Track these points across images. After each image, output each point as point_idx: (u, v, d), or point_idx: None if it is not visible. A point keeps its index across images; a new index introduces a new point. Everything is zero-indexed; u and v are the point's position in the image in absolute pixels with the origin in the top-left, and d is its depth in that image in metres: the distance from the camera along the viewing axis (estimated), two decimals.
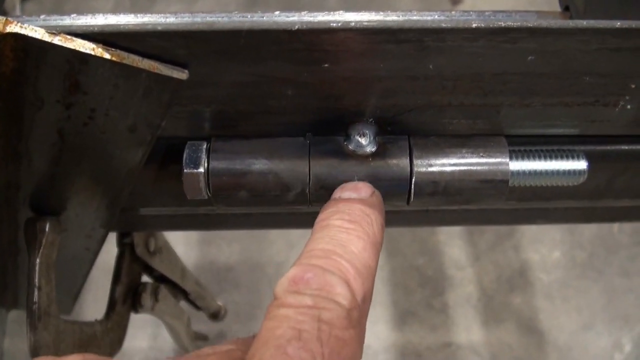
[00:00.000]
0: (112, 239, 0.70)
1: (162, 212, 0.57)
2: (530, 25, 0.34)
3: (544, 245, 1.52)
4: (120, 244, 0.75)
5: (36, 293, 0.54)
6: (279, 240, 1.47)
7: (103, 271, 0.76)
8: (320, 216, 0.40)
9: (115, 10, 2.10)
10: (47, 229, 0.53)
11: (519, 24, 0.34)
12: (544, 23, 0.34)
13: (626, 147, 0.53)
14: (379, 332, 1.37)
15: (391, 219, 0.64)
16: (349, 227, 0.38)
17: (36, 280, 0.53)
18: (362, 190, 0.41)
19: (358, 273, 0.35)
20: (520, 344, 1.37)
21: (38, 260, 0.53)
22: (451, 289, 1.44)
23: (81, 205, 0.54)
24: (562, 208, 0.64)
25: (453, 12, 0.48)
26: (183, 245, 1.41)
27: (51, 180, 0.49)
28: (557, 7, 0.60)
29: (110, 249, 0.70)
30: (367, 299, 0.36)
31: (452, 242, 1.50)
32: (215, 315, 1.12)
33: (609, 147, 0.53)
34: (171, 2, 2.09)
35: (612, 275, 1.49)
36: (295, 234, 1.45)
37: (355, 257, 0.36)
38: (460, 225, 1.34)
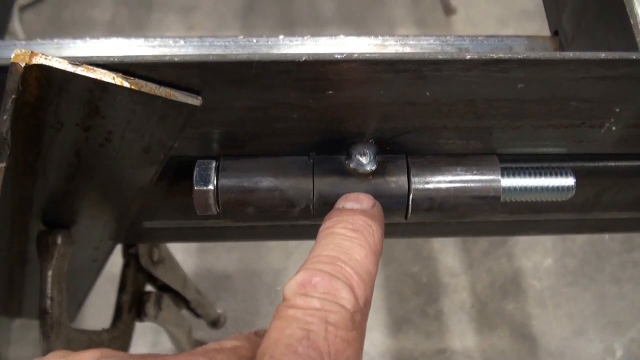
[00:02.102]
0: (115, 250, 0.72)
1: (169, 225, 0.59)
2: (520, 57, 0.37)
3: (536, 253, 1.54)
4: (126, 254, 0.77)
5: (48, 303, 0.56)
6: (276, 249, 1.49)
7: (104, 279, 0.79)
8: (325, 224, 0.42)
9: (113, 20, 2.12)
10: (59, 242, 0.55)
11: (510, 55, 0.37)
12: (533, 55, 0.37)
13: (612, 164, 0.56)
14: (374, 338, 1.40)
15: (390, 230, 0.67)
16: (352, 235, 0.40)
17: (48, 290, 0.55)
18: (364, 201, 0.44)
19: (361, 279, 0.37)
20: (513, 350, 1.39)
21: (50, 271, 0.55)
22: (445, 296, 1.46)
23: (92, 219, 0.56)
24: (553, 220, 0.67)
25: (448, 37, 0.51)
26: (182, 253, 1.43)
27: (64, 196, 0.51)
28: (547, 25, 0.63)
29: (112, 259, 0.72)
30: (368, 303, 0.38)
31: (446, 250, 1.53)
32: (215, 323, 1.14)
33: (596, 164, 0.55)
34: (168, 11, 2.11)
35: (603, 282, 1.52)
36: (293, 243, 1.47)
37: (358, 264, 0.38)
38: (456, 236, 1.37)
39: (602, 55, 0.39)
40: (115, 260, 0.78)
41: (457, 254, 1.53)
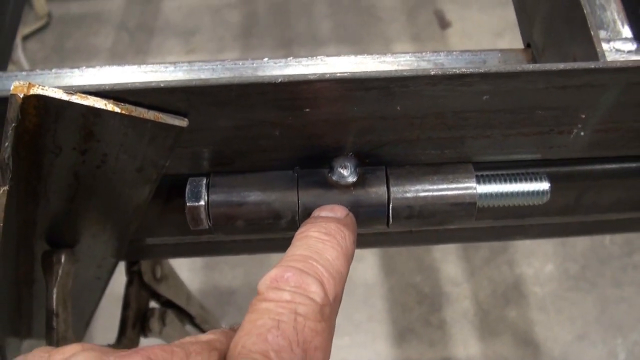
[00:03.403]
0: (119, 269, 0.75)
1: (168, 241, 0.62)
2: (481, 71, 0.39)
3: (537, 259, 1.56)
4: (129, 272, 0.80)
5: (54, 319, 0.58)
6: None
7: (109, 298, 0.81)
8: (301, 229, 0.45)
9: (115, 46, 2.17)
10: (62, 260, 0.58)
11: (471, 70, 0.39)
12: (494, 69, 0.40)
13: (587, 168, 0.58)
14: (379, 349, 1.42)
15: (381, 239, 0.70)
16: (325, 238, 0.43)
17: (54, 307, 0.58)
18: (338, 210, 0.47)
19: (331, 276, 0.40)
20: (517, 356, 1.41)
21: (55, 289, 0.58)
22: (448, 305, 1.48)
23: (93, 238, 0.58)
24: (537, 224, 0.69)
25: (424, 53, 0.54)
26: (187, 270, 1.46)
27: (66, 216, 0.54)
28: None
29: (116, 277, 0.74)
30: (337, 299, 0.40)
31: (448, 259, 1.55)
32: None
33: (572, 168, 0.58)
34: (168, 35, 2.16)
35: (605, 286, 1.53)
36: None
37: (329, 263, 0.41)
38: (444, 243, 1.39)
39: (561, 66, 0.41)
40: (119, 280, 0.81)
41: (458, 263, 1.55)
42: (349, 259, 0.43)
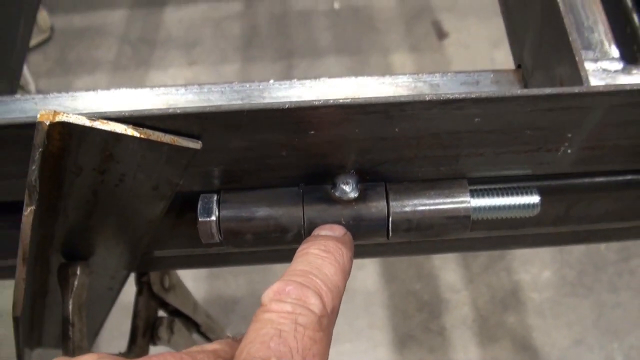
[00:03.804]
0: (128, 280, 0.77)
1: (179, 253, 0.65)
2: (473, 96, 0.42)
3: (535, 266, 1.59)
4: (139, 282, 0.83)
5: (70, 329, 0.61)
6: (281, 271, 1.53)
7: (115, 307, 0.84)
8: (301, 247, 0.48)
9: (118, 59, 2.20)
10: (78, 272, 0.60)
11: (464, 95, 0.42)
12: (485, 94, 0.43)
13: (576, 181, 0.61)
14: (379, 355, 1.44)
15: (382, 250, 0.73)
16: (324, 255, 0.46)
17: (70, 317, 0.60)
18: (336, 230, 0.50)
19: (329, 290, 0.43)
20: None
21: (71, 300, 0.61)
22: (447, 311, 1.51)
23: (107, 251, 0.61)
24: (530, 234, 0.72)
25: (420, 75, 0.57)
26: (192, 280, 1.48)
27: (83, 231, 0.57)
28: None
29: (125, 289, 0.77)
30: (335, 311, 0.43)
31: (447, 267, 1.58)
32: None
33: (561, 182, 0.61)
34: (170, 48, 2.19)
35: (601, 291, 1.56)
36: None
37: (328, 278, 0.44)
38: (441, 253, 1.42)
39: (547, 91, 0.45)
40: (127, 290, 0.83)
41: (457, 271, 1.58)
42: (346, 274, 0.46)
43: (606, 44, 0.63)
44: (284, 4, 2.31)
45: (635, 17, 0.70)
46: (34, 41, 2.27)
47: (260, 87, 0.57)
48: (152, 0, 2.35)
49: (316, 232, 0.50)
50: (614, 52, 0.62)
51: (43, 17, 2.33)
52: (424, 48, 2.15)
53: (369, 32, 2.20)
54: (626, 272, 1.59)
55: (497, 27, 2.17)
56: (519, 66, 0.62)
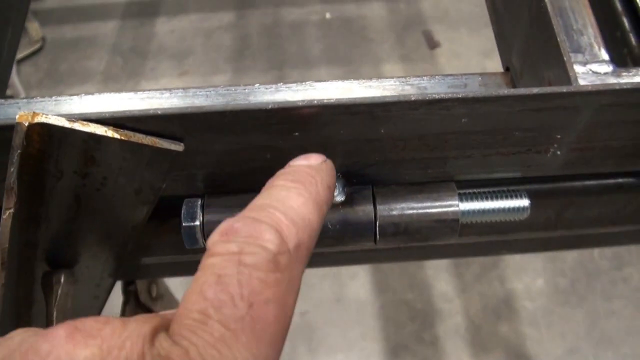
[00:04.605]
0: (115, 290, 0.76)
1: (164, 260, 0.64)
2: (459, 96, 0.42)
3: (527, 274, 1.58)
4: (125, 291, 0.82)
5: None
6: None
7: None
8: (268, 181, 0.41)
9: (109, 69, 2.19)
10: (62, 281, 0.59)
11: (450, 95, 0.42)
12: (471, 94, 0.42)
13: (567, 184, 0.60)
14: None
15: (371, 256, 0.72)
16: (290, 185, 0.39)
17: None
18: (312, 158, 0.43)
19: (292, 222, 0.36)
20: None
21: (55, 309, 0.60)
22: (440, 321, 1.50)
23: (92, 258, 0.60)
24: (521, 240, 0.72)
25: (408, 78, 0.56)
26: (182, 291, 1.47)
27: (66, 237, 0.56)
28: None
29: (112, 299, 0.76)
30: (302, 247, 0.36)
31: (440, 276, 1.57)
32: None
33: (552, 185, 0.60)
34: (161, 59, 2.19)
35: (595, 300, 1.55)
36: None
37: (292, 209, 0.37)
38: (431, 259, 1.41)
39: (534, 90, 0.44)
40: (116, 302, 0.82)
41: (450, 280, 1.57)
42: (321, 205, 0.40)
43: (596, 47, 0.62)
44: (276, 14, 2.31)
45: (625, 20, 0.69)
46: (25, 52, 2.27)
47: (246, 90, 0.56)
48: (144, 11, 2.35)
49: (289, 162, 0.43)
50: (604, 55, 0.62)
51: (35, 28, 2.32)
52: (416, 58, 2.15)
53: (361, 42, 2.21)
54: (620, 280, 1.58)
55: (488, 37, 2.18)
56: (507, 69, 0.61)
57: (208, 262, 0.33)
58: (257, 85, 0.56)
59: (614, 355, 1.46)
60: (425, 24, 2.26)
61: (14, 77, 2.13)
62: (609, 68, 0.62)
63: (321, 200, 0.40)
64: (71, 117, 0.42)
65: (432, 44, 2.19)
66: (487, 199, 0.54)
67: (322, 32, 2.24)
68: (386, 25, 2.26)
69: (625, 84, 0.44)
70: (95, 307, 0.71)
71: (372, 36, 2.23)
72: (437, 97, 0.42)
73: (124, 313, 0.81)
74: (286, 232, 0.35)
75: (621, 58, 0.69)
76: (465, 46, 2.16)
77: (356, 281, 1.55)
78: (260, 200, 0.38)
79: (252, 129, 0.44)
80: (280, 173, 0.41)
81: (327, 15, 2.30)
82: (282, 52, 2.17)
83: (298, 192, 0.39)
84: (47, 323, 0.60)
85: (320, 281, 1.52)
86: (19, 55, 2.23)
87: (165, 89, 0.57)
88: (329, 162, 0.43)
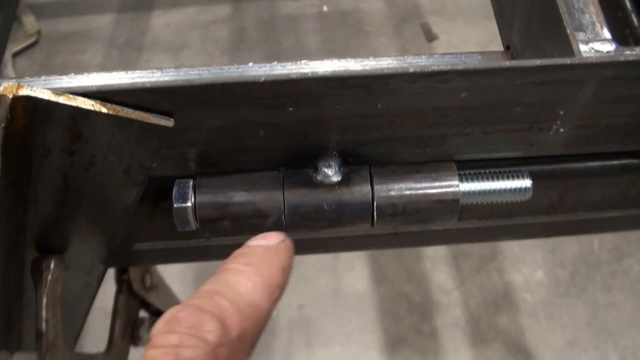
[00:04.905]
0: (108, 281, 0.74)
1: (156, 246, 0.62)
2: (458, 68, 0.40)
3: (527, 266, 1.57)
4: (118, 280, 0.80)
5: (44, 325, 0.58)
6: None
7: (98, 312, 0.81)
8: (223, 262, 0.41)
9: (104, 62, 2.18)
10: (52, 267, 0.58)
11: (449, 67, 0.40)
12: (472, 65, 0.41)
13: (570, 165, 0.59)
14: (371, 358, 1.42)
15: (367, 242, 0.70)
16: (242, 269, 0.39)
17: (43, 313, 0.58)
18: (270, 237, 0.43)
19: (238, 310, 0.36)
20: None
21: (44, 295, 0.58)
22: (439, 313, 1.48)
23: (82, 243, 0.59)
24: (522, 224, 0.70)
25: (406, 56, 0.55)
26: (178, 283, 1.45)
27: (55, 221, 0.54)
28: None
29: (105, 291, 0.74)
30: (246, 336, 0.36)
31: (438, 268, 1.56)
32: None
33: (554, 166, 0.59)
34: (157, 51, 2.17)
35: (595, 291, 1.54)
36: None
37: (239, 296, 0.37)
38: (429, 245, 1.40)
39: (537, 62, 0.43)
40: (110, 294, 0.80)
41: (448, 272, 1.56)
42: (273, 288, 0.40)
43: (598, 25, 0.61)
44: (272, 7, 2.29)
45: (626, 0, 0.68)
46: (21, 45, 2.25)
47: (239, 69, 0.54)
48: (139, 4, 2.33)
49: (247, 242, 0.43)
50: (606, 33, 0.60)
51: (30, 21, 2.30)
52: (413, 50, 2.13)
53: (358, 35, 2.19)
54: (620, 272, 1.57)
55: (485, 29, 2.17)
56: (507, 47, 0.60)
57: (148, 354, 0.34)
58: (250, 64, 0.54)
59: (614, 347, 1.45)
60: (423, 17, 2.25)
61: (10, 70, 2.12)
62: (611, 47, 0.60)
63: (273, 284, 0.39)
64: (57, 91, 0.40)
65: (430, 37, 2.17)
66: (488, 179, 0.52)
67: (319, 25, 2.22)
68: (384, 17, 2.24)
69: (630, 55, 0.42)
70: (87, 296, 0.70)
71: (370, 29, 2.21)
72: (436, 69, 0.40)
73: (117, 302, 0.80)
74: (230, 321, 0.35)
75: (623, 38, 0.68)
76: (463, 39, 2.14)
77: (353, 273, 1.54)
78: (209, 285, 0.38)
79: (244, 104, 0.42)
80: (236, 254, 0.41)
81: (324, 8, 2.29)
82: (278, 45, 2.16)
83: (249, 276, 0.39)
84: (37, 309, 0.58)
85: (317, 274, 1.51)
86: (15, 48, 2.22)
87: (157, 68, 0.56)
88: (288, 242, 0.43)
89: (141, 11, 2.31)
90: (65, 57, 2.19)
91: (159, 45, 2.19)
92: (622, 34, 0.67)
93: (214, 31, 2.22)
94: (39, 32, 2.31)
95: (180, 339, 0.34)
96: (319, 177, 0.48)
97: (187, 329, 0.34)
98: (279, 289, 0.40)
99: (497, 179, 0.53)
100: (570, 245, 1.60)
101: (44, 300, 0.58)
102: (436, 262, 1.56)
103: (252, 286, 0.38)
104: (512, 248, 1.58)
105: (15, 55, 2.21)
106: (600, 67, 0.43)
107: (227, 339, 0.35)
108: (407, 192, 0.50)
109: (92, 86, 0.40)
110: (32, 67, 2.21)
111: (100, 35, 2.25)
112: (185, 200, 0.49)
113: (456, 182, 0.50)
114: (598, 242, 1.60)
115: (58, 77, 0.57)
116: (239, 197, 0.49)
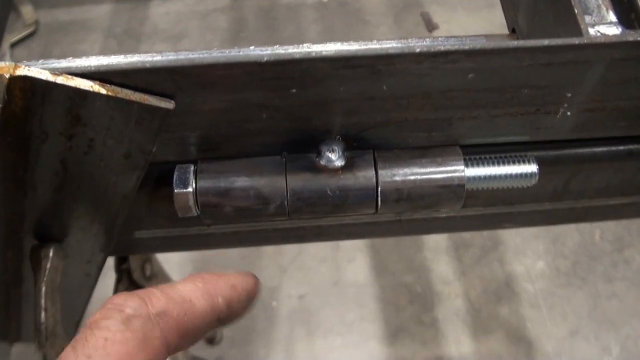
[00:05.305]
0: (107, 273, 0.74)
1: (157, 234, 0.61)
2: (465, 48, 0.39)
3: (528, 257, 1.56)
4: (118, 270, 0.80)
5: (43, 314, 0.57)
6: (270, 266, 1.52)
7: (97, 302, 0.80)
8: None
9: (102, 51, 2.16)
10: (51, 255, 0.57)
11: (456, 47, 0.39)
12: (479, 45, 0.40)
13: (576, 151, 0.58)
14: (371, 349, 1.41)
15: (370, 229, 0.70)
16: (190, 278, 0.42)
17: (42, 302, 0.57)
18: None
19: (164, 295, 0.39)
20: (510, 353, 1.41)
21: (43, 284, 0.58)
22: (440, 303, 1.48)
23: (82, 231, 0.58)
24: (526, 211, 0.69)
25: (410, 40, 0.54)
26: (178, 273, 1.45)
27: (54, 208, 0.54)
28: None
29: (105, 283, 0.73)
30: (168, 316, 0.38)
31: (439, 258, 1.55)
32: (211, 341, 1.15)
33: (559, 152, 0.58)
34: (156, 42, 2.16)
35: (596, 282, 1.54)
36: (286, 259, 1.49)
37: (173, 289, 0.40)
38: (433, 233, 1.39)
39: (545, 42, 0.42)
40: (109, 284, 0.80)
41: (449, 262, 1.55)
42: (214, 296, 0.41)
43: (604, 8, 0.60)
44: None
45: None
46: (18, 36, 2.23)
47: (241, 53, 0.53)
48: None
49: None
50: (612, 17, 0.59)
51: (28, 11, 2.29)
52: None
53: (358, 24, 2.18)
54: (621, 262, 1.56)
55: (485, 19, 2.16)
56: (513, 30, 0.59)
57: (80, 331, 0.37)
58: (252, 47, 0.53)
59: (616, 337, 1.44)
60: (423, 6, 2.23)
61: (8, 60, 2.11)
62: (617, 30, 0.59)
63: (216, 293, 0.41)
64: (55, 71, 0.39)
65: (431, 26, 2.16)
66: (494, 164, 0.51)
67: (318, 14, 2.21)
68: (384, 7, 2.23)
69: (639, 36, 0.41)
70: (86, 285, 0.69)
71: (370, 18, 2.20)
72: (442, 49, 0.39)
73: (116, 292, 0.79)
74: (153, 300, 0.38)
75: (629, 22, 0.67)
76: (464, 28, 2.13)
77: (354, 264, 1.53)
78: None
79: (246, 85, 0.41)
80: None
81: None
82: (278, 34, 2.14)
83: (191, 279, 0.41)
84: (36, 298, 0.57)
85: (317, 264, 1.50)
86: (13, 38, 2.20)
87: (157, 52, 0.55)
88: (251, 274, 0.47)
89: (140, 0, 2.30)
90: (63, 47, 2.17)
91: (157, 35, 2.18)
92: (627, 18, 0.66)
93: (213, 20, 2.21)
94: (37, 22, 2.29)
95: (103, 312, 0.37)
96: (322, 162, 0.48)
97: (112, 305, 0.38)
98: (225, 301, 0.42)
99: (503, 163, 0.52)
100: (571, 235, 1.59)
101: (43, 289, 0.57)
102: (437, 252, 1.56)
103: (192, 287, 0.40)
104: (513, 239, 1.57)
105: (13, 45, 2.19)
106: (608, 47, 0.42)
107: (143, 311, 0.37)
108: (412, 177, 0.49)
109: (90, 66, 0.39)
110: (30, 57, 2.19)
111: (99, 25, 2.23)
112: (186, 185, 0.48)
113: (462, 167, 0.50)
114: (599, 233, 1.60)
115: (56, 60, 0.56)
116: (241, 182, 0.48)
